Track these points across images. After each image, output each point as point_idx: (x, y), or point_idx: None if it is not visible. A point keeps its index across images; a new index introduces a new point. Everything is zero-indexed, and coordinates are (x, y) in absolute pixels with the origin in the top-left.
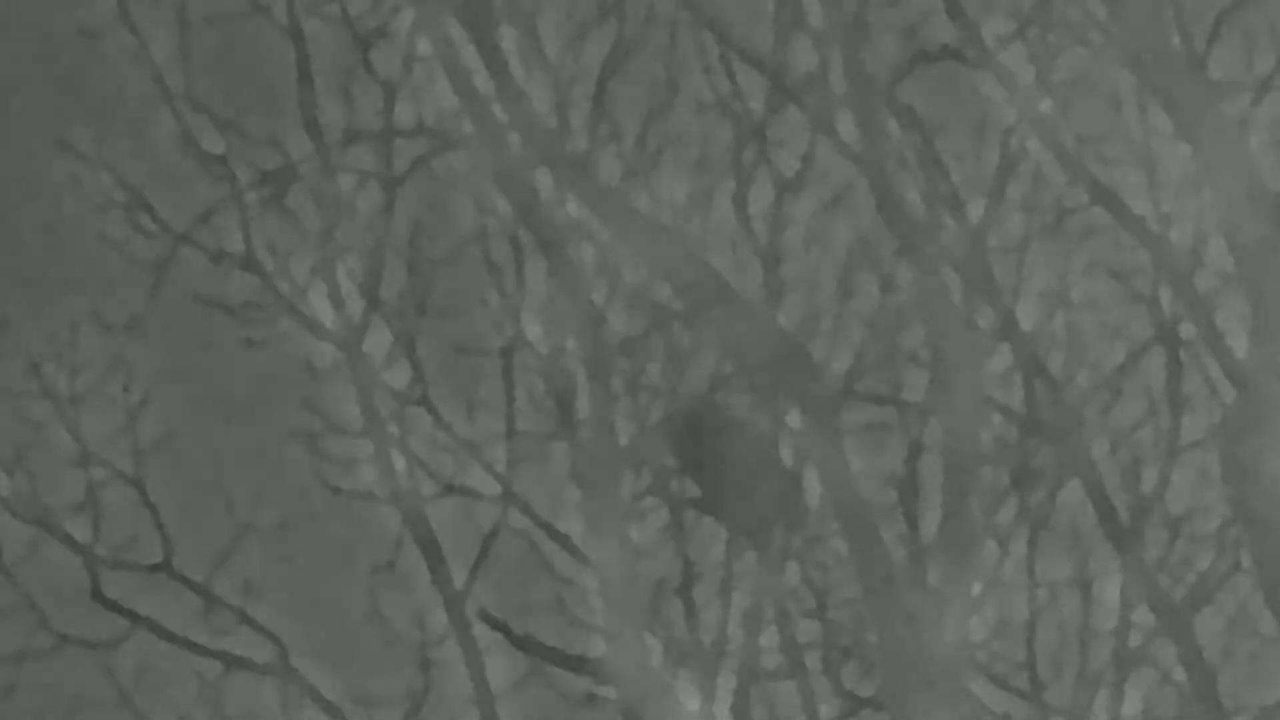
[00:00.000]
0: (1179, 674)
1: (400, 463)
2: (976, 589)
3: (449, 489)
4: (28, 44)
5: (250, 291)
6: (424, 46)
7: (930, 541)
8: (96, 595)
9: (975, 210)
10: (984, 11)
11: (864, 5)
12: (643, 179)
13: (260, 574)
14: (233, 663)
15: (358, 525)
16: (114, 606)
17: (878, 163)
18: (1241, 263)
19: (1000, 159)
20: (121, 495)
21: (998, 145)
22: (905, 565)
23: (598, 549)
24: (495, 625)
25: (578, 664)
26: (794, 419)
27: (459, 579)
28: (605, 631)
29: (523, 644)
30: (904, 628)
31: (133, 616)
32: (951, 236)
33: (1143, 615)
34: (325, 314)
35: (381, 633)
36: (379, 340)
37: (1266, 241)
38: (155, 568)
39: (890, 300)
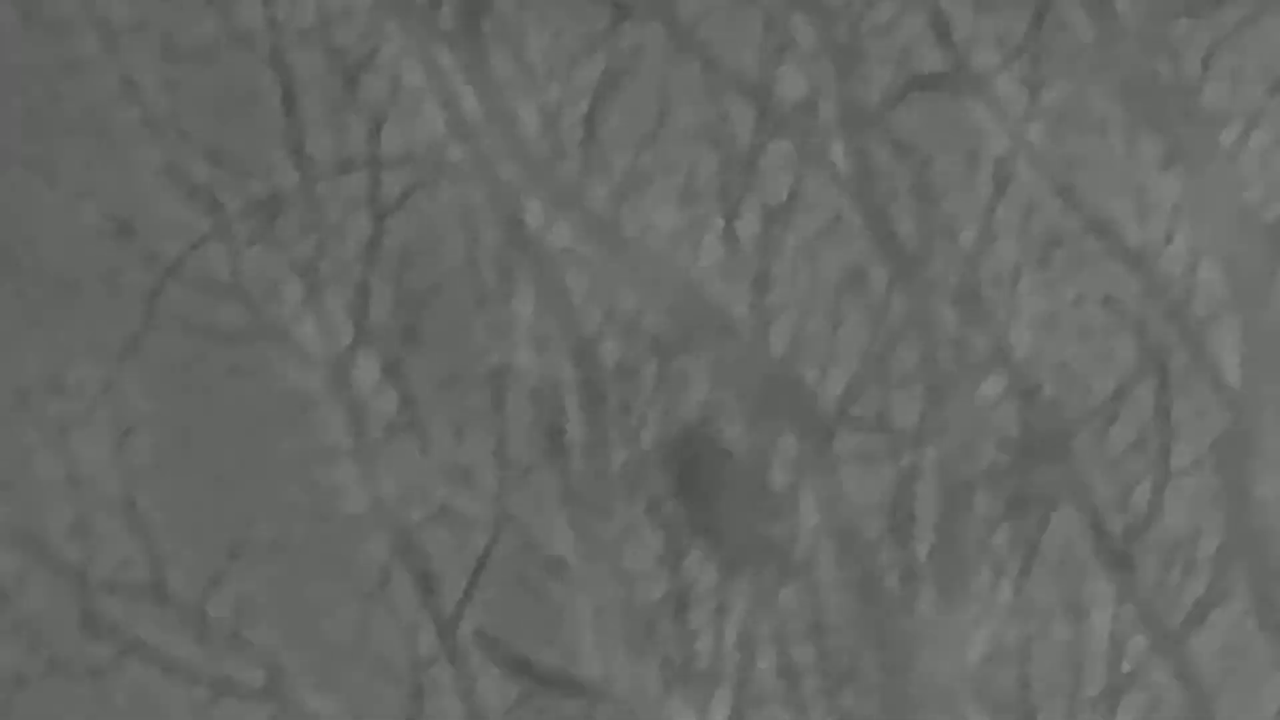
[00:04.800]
0: (1174, 699)
1: (390, 487)
2: (970, 614)
3: (440, 513)
4: (14, 76)
5: (238, 320)
6: (411, 75)
7: (924, 566)
8: (87, 620)
9: (967, 238)
10: (973, 40)
11: (854, 33)
12: (632, 207)
13: (252, 599)
14: (224, 687)
15: (348, 549)
16: (105, 631)
17: (868, 191)
18: (1233, 290)
19: (991, 186)
20: (112, 520)
21: (989, 173)
22: (899, 590)
23: (591, 573)
24: (488, 648)
25: (572, 688)
26: (787, 445)
27: (450, 603)
28: (599, 656)
29: (516, 667)
30: (898, 652)
31: (124, 641)
32: (943, 264)
33: (1137, 640)
34: (314, 342)
35: (373, 657)
36: (368, 367)
37: (1259, 270)
38: (146, 592)
39: (882, 327)
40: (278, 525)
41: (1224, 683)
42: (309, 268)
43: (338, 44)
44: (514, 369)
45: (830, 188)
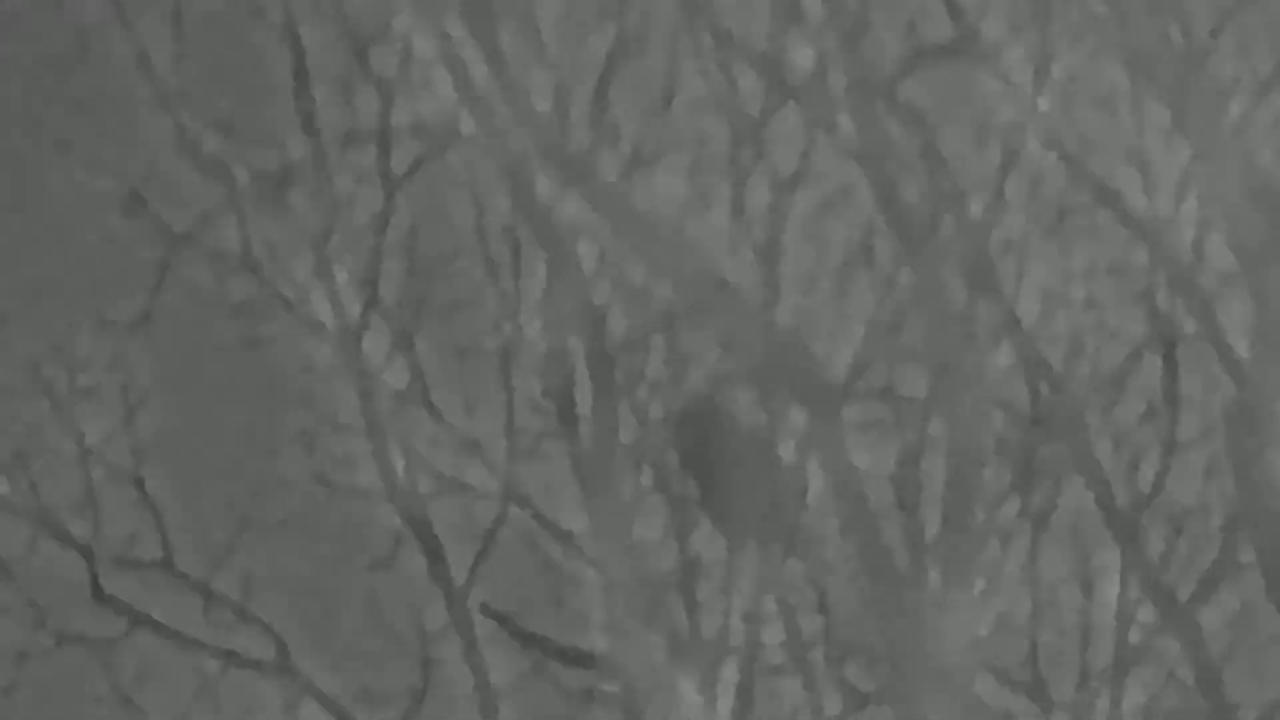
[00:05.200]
0: (1182, 670)
1: (400, 460)
2: (979, 586)
3: (449, 486)
4: (25, 45)
5: (249, 291)
6: (422, 46)
7: (933, 539)
8: (96, 593)
9: (975, 208)
10: (982, 9)
11: (863, 3)
12: (642, 177)
13: (260, 572)
14: (233, 660)
15: (357, 523)
16: (114, 604)
17: (877, 161)
18: (1242, 261)
19: (1000, 157)
20: (121, 493)
21: (998, 143)
22: (908, 562)
23: (599, 546)
24: (497, 620)
25: (579, 660)
26: (796, 416)
27: (459, 576)
28: (607, 627)
29: (524, 640)
30: (907, 624)
31: (133, 615)
32: (952, 235)
33: (1145, 612)
34: (324, 314)
35: (382, 629)
36: (378, 340)
37: (1267, 240)
38: (155, 566)
39: (890, 298)
40: (287, 498)
41: (1232, 653)
42: (320, 239)
43: (349, 15)
44: (523, 341)
45: (839, 158)
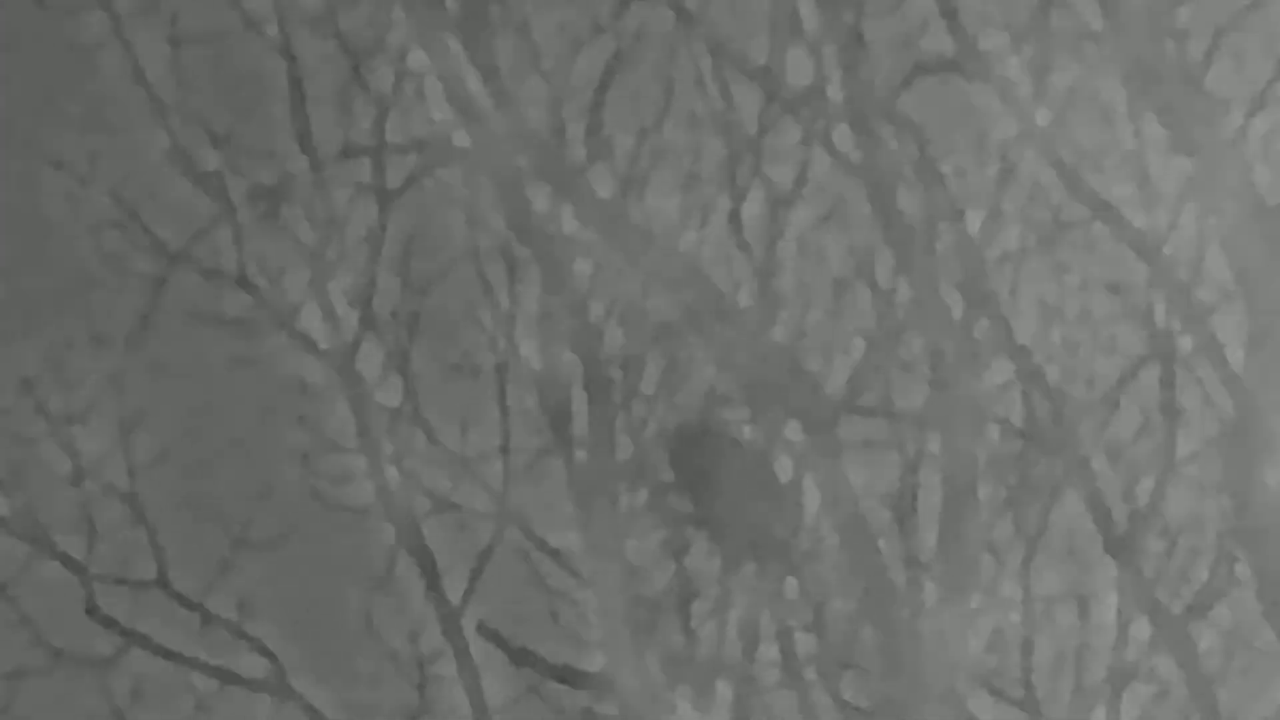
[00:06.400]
0: (1177, 686)
1: (395, 478)
2: (974, 602)
3: (444, 504)
4: (21, 61)
5: (244, 308)
6: (417, 61)
7: (928, 555)
8: (92, 612)
9: (973, 223)
10: (981, 24)
11: (861, 17)
12: (638, 193)
13: (255, 590)
14: (228, 679)
15: (353, 541)
16: (109, 623)
17: (875, 176)
18: (1239, 276)
19: (998, 171)
20: (116, 512)
21: (995, 158)
22: (904, 578)
23: (595, 564)
24: (492, 639)
25: (575, 679)
26: (793, 433)
27: (455, 595)
28: (603, 646)
29: (520, 659)
30: (903, 640)
31: (128, 633)
32: (949, 249)
33: (1140, 628)
34: (319, 331)
35: (377, 648)
36: (372, 357)
37: (1264, 255)
38: (150, 584)
39: (887, 313)
40: (282, 517)
41: (1227, 669)
42: (315, 255)
43: (344, 31)
44: (518, 358)
45: (837, 173)
